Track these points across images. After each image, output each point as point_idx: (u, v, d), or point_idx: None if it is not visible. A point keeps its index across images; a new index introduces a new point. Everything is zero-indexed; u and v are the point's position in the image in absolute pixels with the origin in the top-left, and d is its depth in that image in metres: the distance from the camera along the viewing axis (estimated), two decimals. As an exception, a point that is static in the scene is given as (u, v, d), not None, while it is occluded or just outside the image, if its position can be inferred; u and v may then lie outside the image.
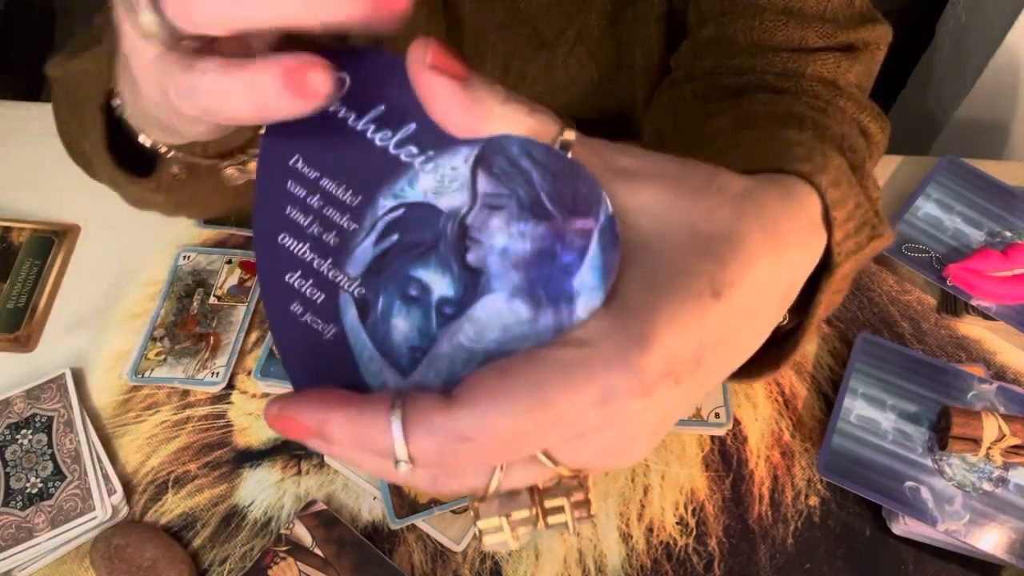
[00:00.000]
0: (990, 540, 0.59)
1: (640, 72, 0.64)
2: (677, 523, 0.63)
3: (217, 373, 0.67)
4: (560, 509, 0.24)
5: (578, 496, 0.24)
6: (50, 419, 0.65)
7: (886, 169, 0.80)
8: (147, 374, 0.67)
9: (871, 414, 0.64)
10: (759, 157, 0.31)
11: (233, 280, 0.72)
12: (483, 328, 0.23)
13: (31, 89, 1.53)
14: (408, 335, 0.24)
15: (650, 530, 0.62)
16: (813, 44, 0.44)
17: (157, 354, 0.68)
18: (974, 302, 0.70)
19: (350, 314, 0.24)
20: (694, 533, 0.62)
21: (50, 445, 0.63)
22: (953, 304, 0.71)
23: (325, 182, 0.25)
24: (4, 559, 0.59)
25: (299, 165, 0.25)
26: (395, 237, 0.24)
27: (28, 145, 0.80)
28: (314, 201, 0.25)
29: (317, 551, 0.60)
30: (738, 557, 0.62)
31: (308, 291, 0.25)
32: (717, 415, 0.66)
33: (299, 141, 0.25)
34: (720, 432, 0.66)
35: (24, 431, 0.64)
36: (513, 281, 0.23)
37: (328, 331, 0.25)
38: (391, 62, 0.24)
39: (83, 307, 0.72)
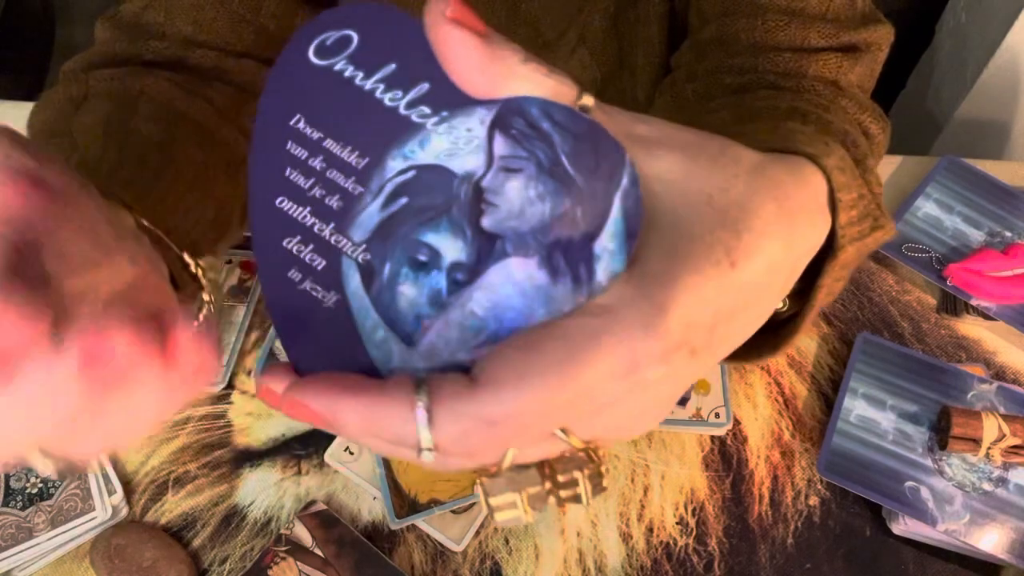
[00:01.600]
0: (990, 540, 0.59)
1: (642, 72, 0.64)
2: (677, 523, 0.63)
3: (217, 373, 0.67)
4: (574, 483, 0.24)
5: (591, 468, 0.24)
6: (50, 419, 0.65)
7: (886, 169, 0.80)
8: (147, 374, 0.67)
9: (871, 414, 0.64)
10: (765, 141, 0.31)
11: (233, 280, 0.72)
12: (497, 295, 0.23)
13: (31, 89, 1.53)
14: (415, 302, 0.23)
15: (650, 530, 0.62)
16: (815, 44, 0.44)
17: (157, 354, 0.68)
18: (974, 302, 0.70)
19: (354, 280, 0.24)
20: (694, 533, 0.62)
21: (50, 445, 0.63)
22: (953, 304, 0.71)
23: (329, 143, 0.24)
24: (4, 559, 0.59)
25: (300, 126, 0.24)
26: (404, 200, 0.23)
27: (28, 145, 0.79)
28: (316, 163, 0.24)
29: (317, 551, 0.60)
30: (738, 557, 0.62)
31: (308, 257, 0.24)
32: (717, 415, 0.66)
33: (301, 100, 0.24)
34: (720, 432, 0.66)
35: (24, 431, 0.64)
36: (530, 246, 0.22)
37: (329, 299, 0.24)
38: (402, 19, 0.23)
39: (83, 307, 0.72)
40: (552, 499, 0.24)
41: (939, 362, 0.67)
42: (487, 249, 0.23)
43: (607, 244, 0.22)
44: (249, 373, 0.68)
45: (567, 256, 0.22)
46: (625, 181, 0.22)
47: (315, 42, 0.23)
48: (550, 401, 0.21)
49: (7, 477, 0.62)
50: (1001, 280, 0.70)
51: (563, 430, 0.23)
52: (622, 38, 0.62)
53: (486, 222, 0.23)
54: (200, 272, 0.36)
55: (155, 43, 0.48)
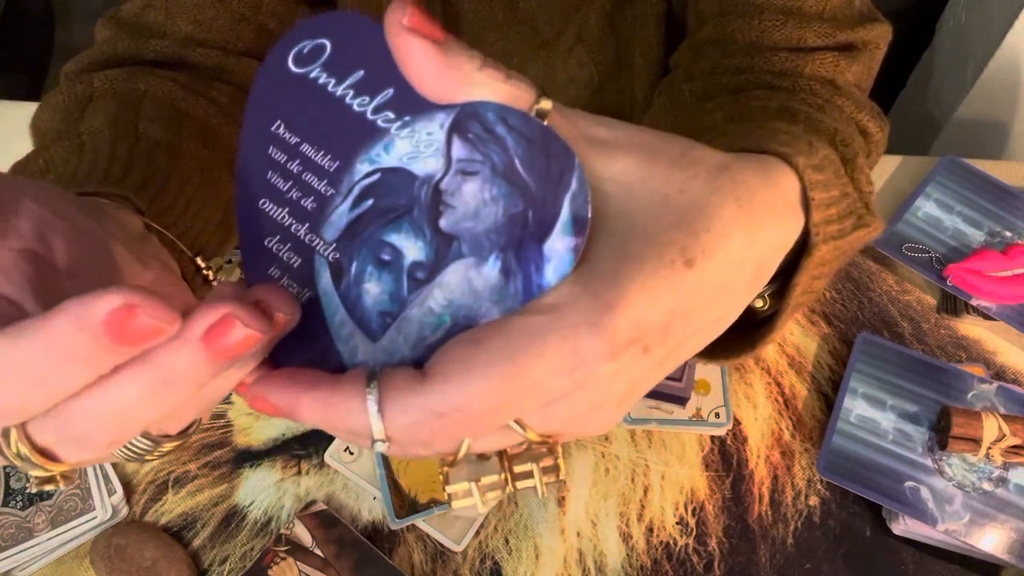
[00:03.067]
0: (990, 540, 0.59)
1: (640, 72, 0.64)
2: (677, 523, 0.63)
3: (217, 373, 0.67)
4: (529, 474, 0.25)
5: (547, 461, 0.25)
6: (50, 419, 0.65)
7: (886, 169, 0.80)
8: (147, 374, 0.67)
9: (871, 414, 0.64)
10: (744, 141, 0.31)
11: (233, 280, 0.72)
12: (453, 293, 0.24)
13: (31, 89, 1.53)
14: (379, 299, 0.24)
15: (650, 530, 0.62)
16: (812, 44, 0.44)
17: (157, 354, 0.68)
18: (974, 302, 0.70)
19: (324, 278, 0.25)
20: (694, 533, 0.62)
21: (50, 445, 0.63)
22: (953, 304, 0.71)
23: (305, 147, 0.25)
24: (4, 559, 0.59)
25: (280, 131, 0.25)
26: (370, 202, 0.24)
27: (29, 145, 0.79)
28: (294, 166, 0.25)
29: (317, 551, 0.61)
30: (738, 557, 0.62)
31: (286, 255, 0.25)
32: (717, 415, 0.66)
33: (281, 107, 0.25)
34: (720, 432, 0.66)
35: (24, 431, 0.64)
36: (484, 246, 0.23)
37: (303, 295, 0.25)
38: (371, 27, 0.24)
39: (83, 307, 0.72)
40: (508, 489, 0.25)
41: (939, 362, 0.67)
42: (444, 249, 0.24)
43: (557, 245, 0.23)
44: (249, 373, 0.68)
45: (518, 256, 0.23)
46: (574, 184, 0.23)
47: (293, 51, 0.25)
48: (497, 394, 0.21)
49: (7, 477, 0.62)
50: (1001, 280, 0.70)
51: (519, 423, 0.23)
52: (619, 37, 0.62)
53: (443, 223, 0.24)
54: (211, 274, 0.36)
55: (156, 42, 0.48)
